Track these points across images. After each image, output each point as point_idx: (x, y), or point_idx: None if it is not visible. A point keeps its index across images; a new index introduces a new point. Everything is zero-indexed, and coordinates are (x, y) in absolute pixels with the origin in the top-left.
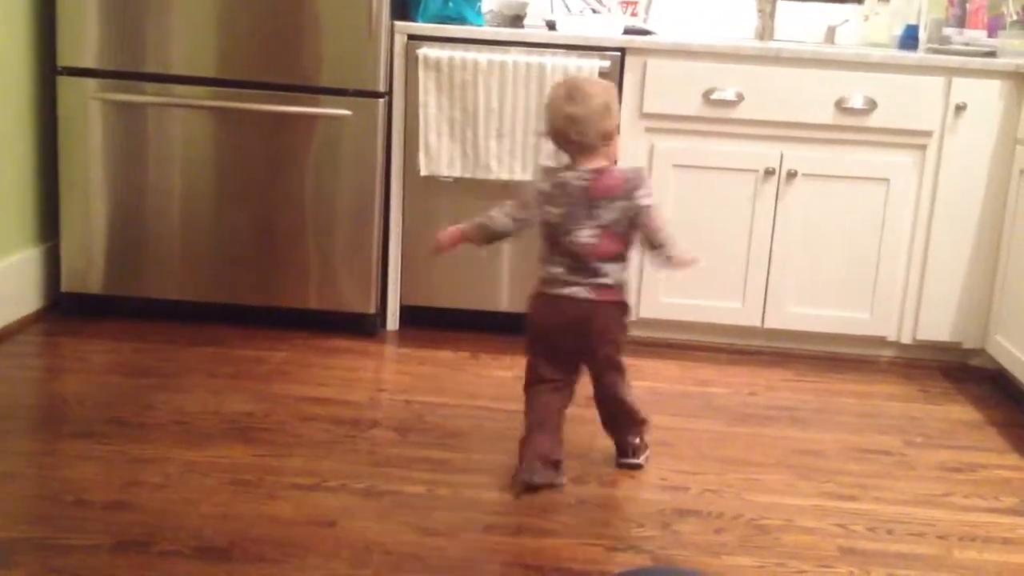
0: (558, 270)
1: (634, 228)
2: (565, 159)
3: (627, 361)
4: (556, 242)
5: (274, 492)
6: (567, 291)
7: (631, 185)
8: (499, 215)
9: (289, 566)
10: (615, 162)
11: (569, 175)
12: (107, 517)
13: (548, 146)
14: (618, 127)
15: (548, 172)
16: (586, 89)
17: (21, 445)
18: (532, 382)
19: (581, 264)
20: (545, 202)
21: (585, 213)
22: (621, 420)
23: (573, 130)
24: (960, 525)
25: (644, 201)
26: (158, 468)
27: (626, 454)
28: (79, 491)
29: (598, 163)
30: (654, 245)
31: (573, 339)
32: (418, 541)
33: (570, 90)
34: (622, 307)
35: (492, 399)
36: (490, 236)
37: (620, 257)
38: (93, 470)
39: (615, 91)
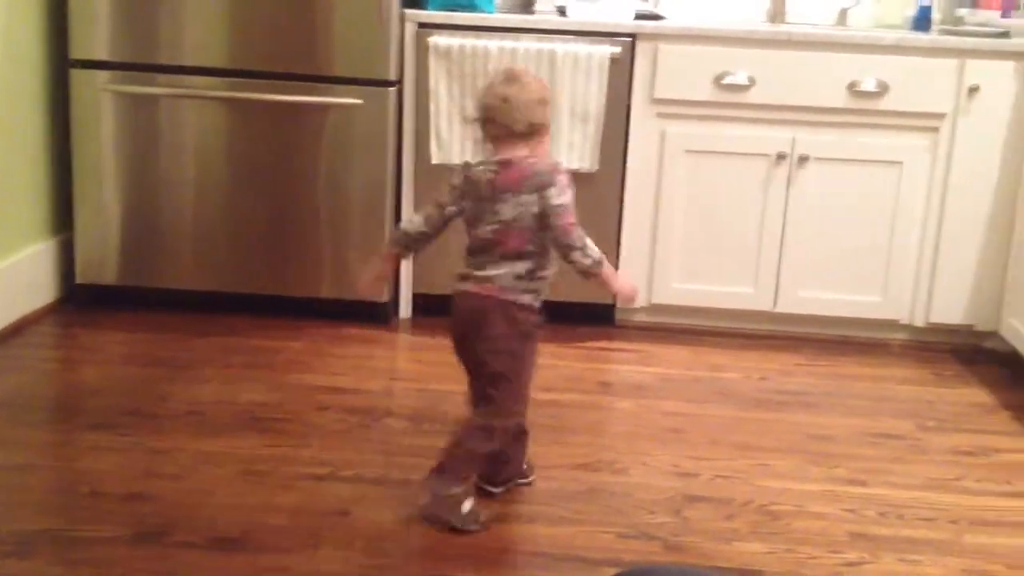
0: (465, 266)
1: (546, 227)
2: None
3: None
4: (469, 235)
5: (288, 482)
6: (462, 286)
7: (540, 181)
8: (411, 219)
9: (303, 556)
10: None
11: (478, 168)
12: (123, 508)
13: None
14: (547, 127)
15: (465, 166)
16: (525, 78)
17: (38, 436)
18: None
19: (483, 259)
20: (460, 197)
21: (488, 207)
22: (445, 459)
23: (501, 112)
24: (971, 510)
25: (554, 200)
26: (173, 459)
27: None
28: (95, 482)
29: (517, 154)
30: (561, 248)
31: (466, 341)
32: (431, 530)
33: (509, 75)
34: (516, 308)
35: None
36: (409, 243)
37: (526, 255)
38: (109, 461)
39: (551, 93)
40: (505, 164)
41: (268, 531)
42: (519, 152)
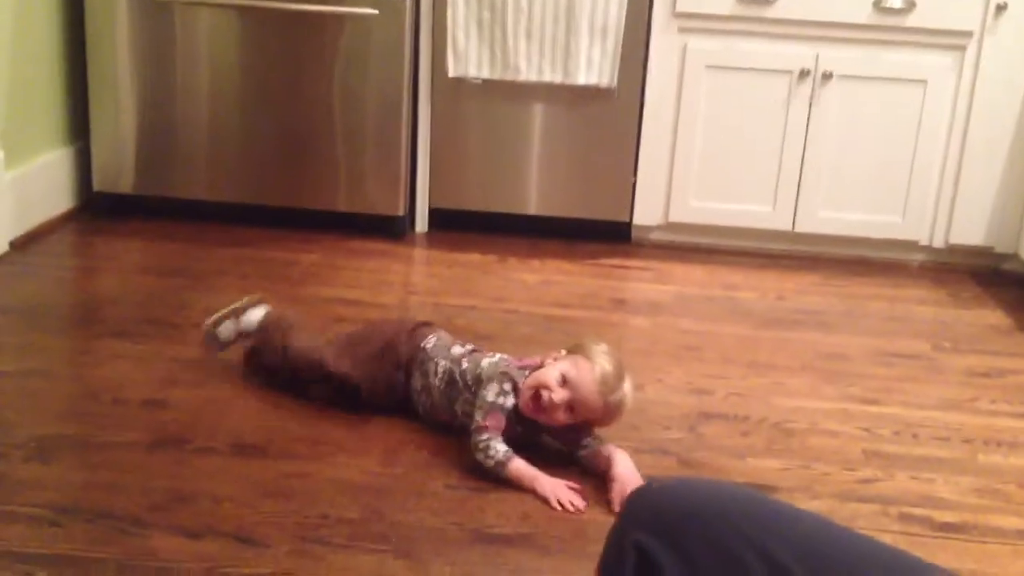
0: None
1: None
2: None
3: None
4: None
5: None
6: None
7: None
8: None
9: (322, 463)
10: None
11: None
12: (144, 415)
13: None
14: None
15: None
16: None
17: (57, 344)
18: None
19: None
20: None
21: None
22: None
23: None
24: (986, 430)
25: None
26: (193, 368)
27: None
28: (116, 389)
29: None
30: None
31: None
32: (447, 441)
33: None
34: None
35: (521, 302)
36: None
37: None
38: (130, 369)
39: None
40: None
41: (287, 439)
42: None
